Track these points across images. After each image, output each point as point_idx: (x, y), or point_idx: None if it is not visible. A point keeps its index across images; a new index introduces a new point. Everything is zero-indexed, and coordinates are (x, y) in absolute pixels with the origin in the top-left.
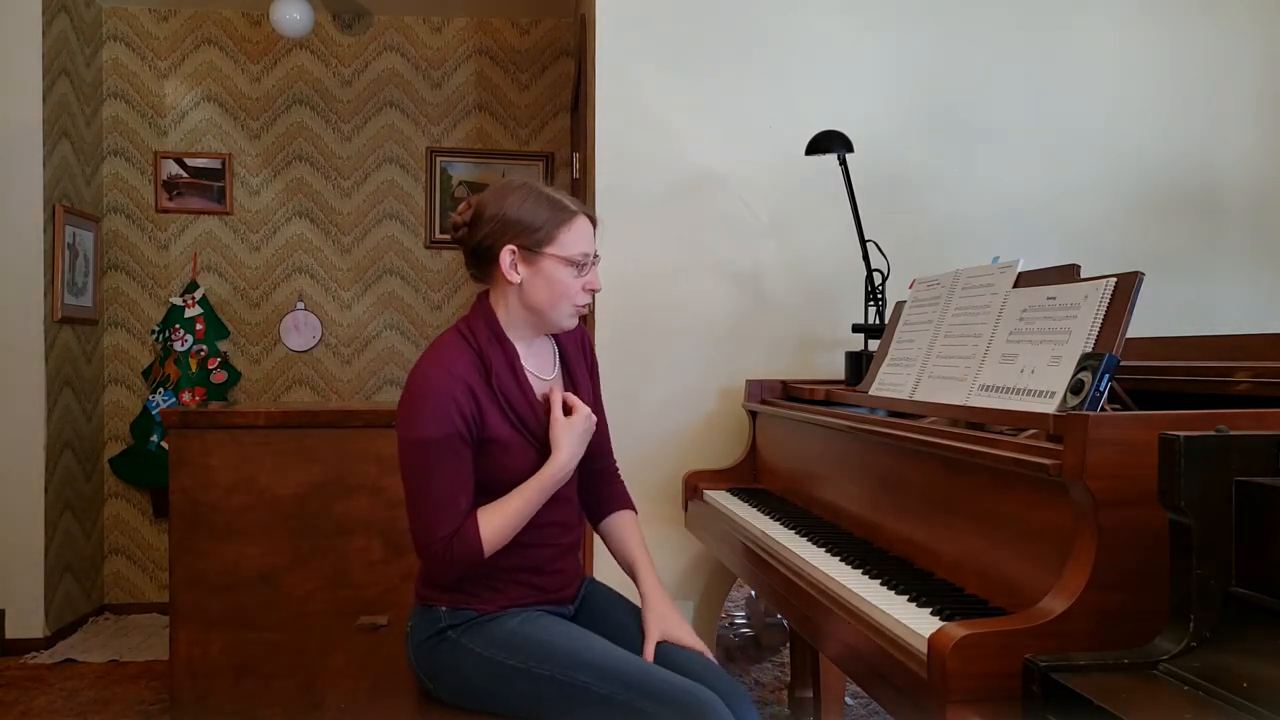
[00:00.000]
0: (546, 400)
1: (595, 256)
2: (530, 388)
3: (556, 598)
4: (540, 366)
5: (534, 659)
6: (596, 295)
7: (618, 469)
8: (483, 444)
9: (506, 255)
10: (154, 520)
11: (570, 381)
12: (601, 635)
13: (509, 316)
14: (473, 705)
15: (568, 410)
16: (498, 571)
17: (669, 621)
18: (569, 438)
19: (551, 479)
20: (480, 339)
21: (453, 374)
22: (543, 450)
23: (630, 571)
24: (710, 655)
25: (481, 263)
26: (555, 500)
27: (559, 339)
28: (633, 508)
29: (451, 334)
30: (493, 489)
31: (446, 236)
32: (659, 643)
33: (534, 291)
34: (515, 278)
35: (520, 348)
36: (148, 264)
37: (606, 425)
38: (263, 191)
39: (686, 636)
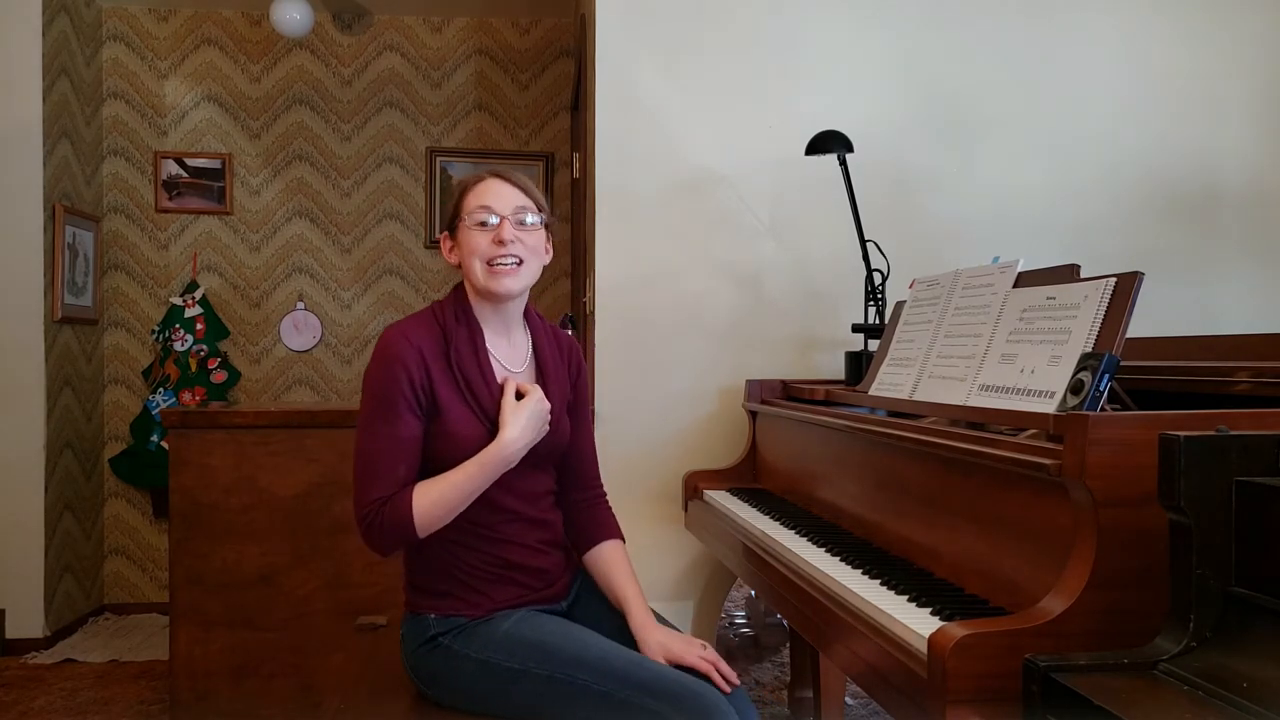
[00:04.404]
0: (503, 385)
1: (524, 220)
2: (491, 369)
3: (545, 595)
4: (510, 359)
5: (533, 660)
6: (598, 295)
7: (605, 496)
8: (433, 417)
9: (444, 244)
10: (154, 520)
11: (542, 382)
12: (602, 630)
13: (472, 299)
14: (471, 707)
15: (521, 397)
16: (471, 570)
17: (671, 648)
18: (516, 418)
19: (497, 456)
20: (446, 316)
21: (408, 340)
22: (495, 434)
23: (619, 605)
24: (715, 674)
25: None
26: (521, 496)
27: (536, 340)
28: (620, 536)
29: (423, 310)
30: (443, 467)
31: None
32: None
33: (464, 265)
34: (454, 260)
35: (489, 335)
36: (148, 264)
37: (593, 449)
38: (263, 191)
39: (691, 656)
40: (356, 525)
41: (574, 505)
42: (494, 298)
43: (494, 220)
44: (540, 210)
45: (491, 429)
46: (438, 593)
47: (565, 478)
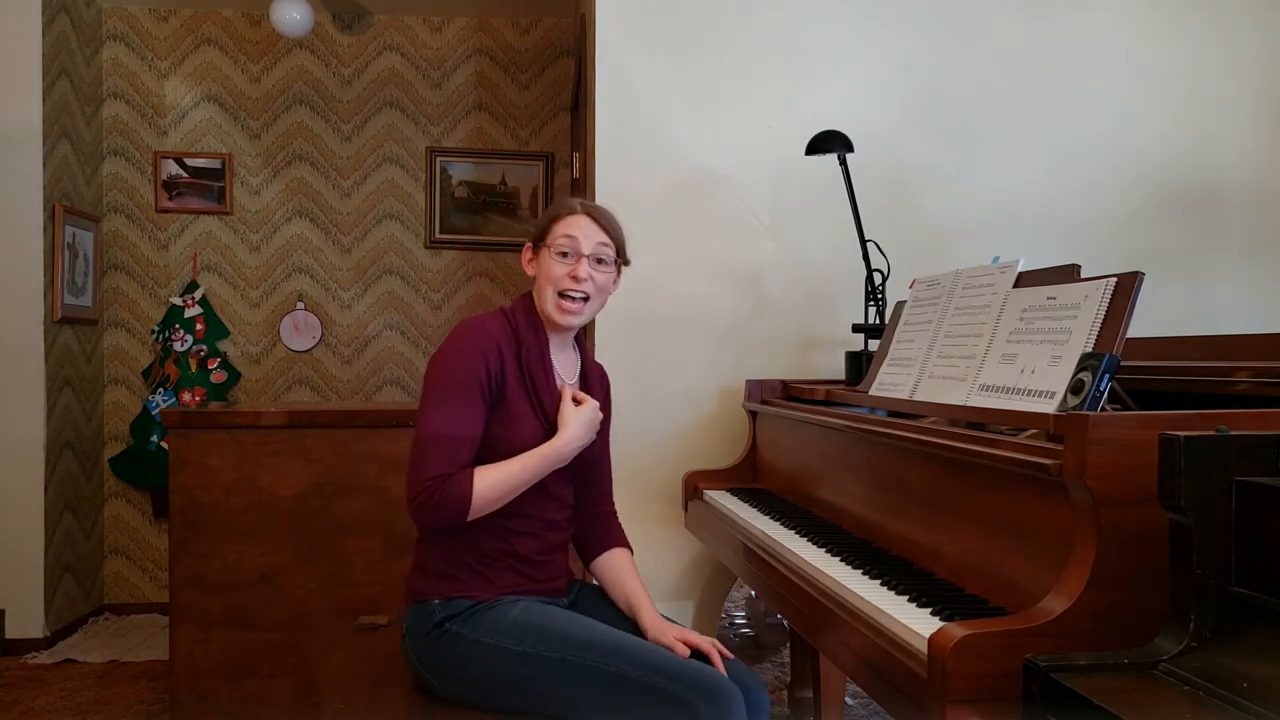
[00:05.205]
0: (561, 391)
1: (604, 259)
2: (553, 375)
3: (548, 588)
4: (565, 371)
5: (543, 643)
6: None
7: (616, 512)
8: (497, 407)
9: (526, 253)
10: (154, 520)
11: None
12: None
13: (540, 310)
14: (478, 697)
15: (578, 404)
16: (482, 556)
17: (676, 629)
18: (576, 420)
19: (554, 452)
20: (519, 321)
21: (488, 332)
22: (551, 433)
23: (629, 605)
24: (715, 652)
25: None
26: (549, 497)
27: (585, 364)
28: (629, 546)
29: (494, 311)
30: (497, 456)
31: (446, 236)
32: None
33: (537, 282)
34: (531, 271)
35: (551, 347)
36: (148, 264)
37: (610, 469)
38: (263, 191)
39: (695, 636)
40: (409, 499)
41: (588, 516)
42: (555, 327)
43: (574, 253)
44: (620, 254)
45: (547, 428)
46: (444, 575)
47: (583, 491)
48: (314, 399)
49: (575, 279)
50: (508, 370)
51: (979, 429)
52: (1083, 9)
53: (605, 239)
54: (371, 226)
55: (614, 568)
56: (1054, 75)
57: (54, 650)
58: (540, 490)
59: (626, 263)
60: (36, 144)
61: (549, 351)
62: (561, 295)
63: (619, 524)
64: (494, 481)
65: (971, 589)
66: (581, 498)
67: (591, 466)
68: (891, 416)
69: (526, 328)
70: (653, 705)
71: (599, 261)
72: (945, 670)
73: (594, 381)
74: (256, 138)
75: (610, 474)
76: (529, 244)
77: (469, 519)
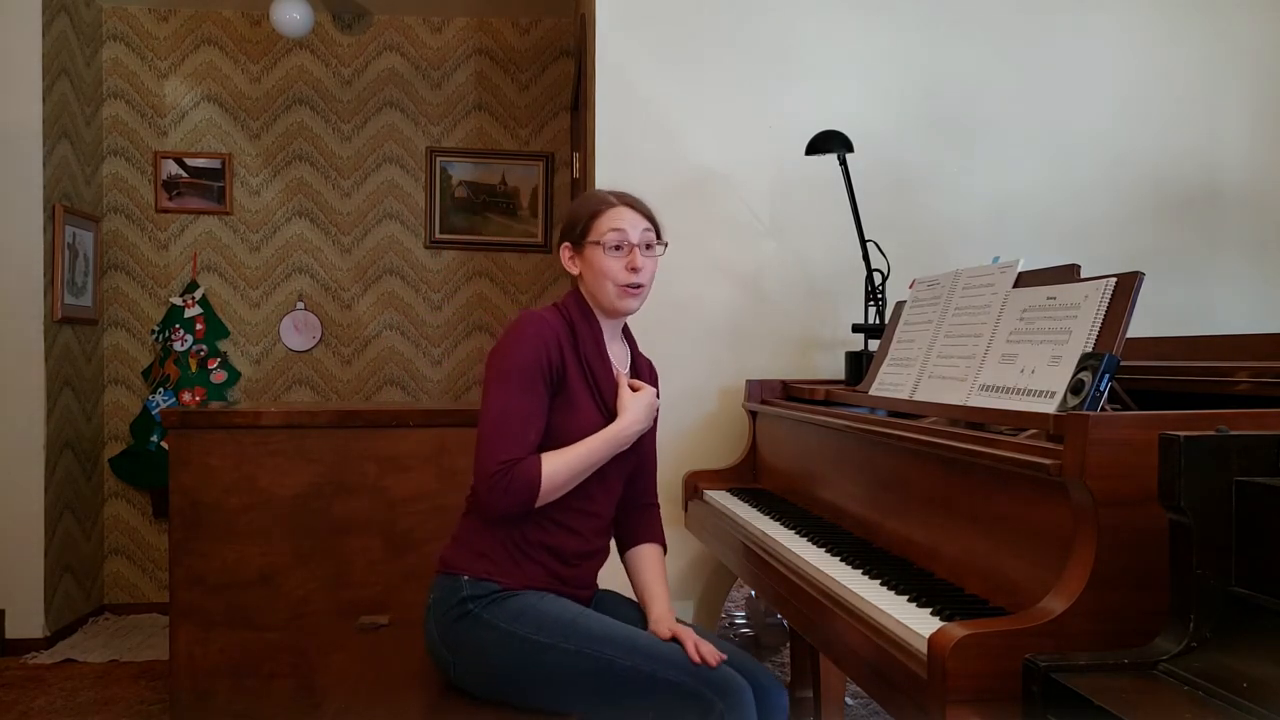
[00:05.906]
0: (618, 378)
1: (650, 244)
2: (610, 364)
3: (573, 595)
4: (619, 360)
5: (559, 634)
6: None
7: (658, 507)
8: (558, 396)
9: (564, 253)
10: (154, 520)
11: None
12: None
13: (591, 305)
14: (492, 684)
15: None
16: (524, 543)
17: (678, 627)
18: (635, 404)
19: (616, 436)
20: (573, 313)
21: (546, 324)
22: (609, 421)
23: (644, 599)
24: (694, 653)
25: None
26: (605, 489)
27: (635, 357)
28: (663, 544)
29: (549, 306)
30: (558, 444)
31: (446, 236)
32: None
33: (587, 279)
34: (574, 269)
35: (605, 336)
36: (148, 264)
37: (656, 463)
38: (263, 191)
39: (691, 637)
40: (477, 484)
41: (632, 507)
42: (617, 315)
43: (626, 245)
44: (660, 237)
45: (606, 416)
46: (480, 554)
47: (629, 484)
48: (314, 399)
49: (634, 270)
50: (567, 360)
51: (979, 429)
52: (1083, 9)
53: (648, 225)
54: (371, 226)
55: (641, 561)
56: (1054, 75)
57: (54, 650)
58: (601, 479)
59: (665, 244)
60: (36, 144)
61: (604, 338)
62: (621, 287)
63: (659, 518)
64: (561, 465)
65: (971, 589)
66: (628, 490)
67: (643, 458)
68: (891, 416)
69: (581, 320)
70: (669, 700)
71: (646, 247)
72: (945, 670)
73: (644, 373)
74: (256, 138)
75: (655, 468)
76: (567, 243)
77: (537, 504)
